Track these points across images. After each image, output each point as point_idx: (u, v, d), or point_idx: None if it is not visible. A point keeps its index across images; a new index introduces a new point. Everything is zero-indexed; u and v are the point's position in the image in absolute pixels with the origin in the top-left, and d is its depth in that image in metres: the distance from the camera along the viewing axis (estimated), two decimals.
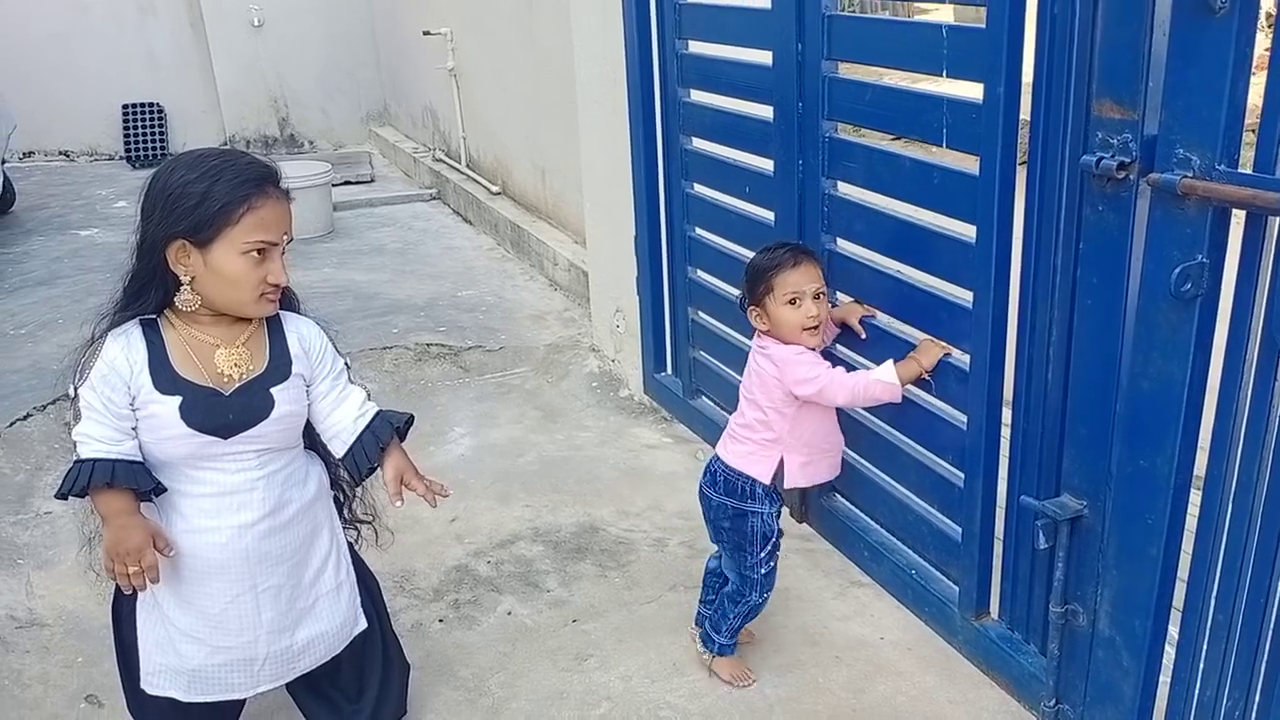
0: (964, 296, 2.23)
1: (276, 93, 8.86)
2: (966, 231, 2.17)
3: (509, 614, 2.82)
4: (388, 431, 2.02)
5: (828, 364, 2.32)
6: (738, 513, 2.37)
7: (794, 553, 2.93)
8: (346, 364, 2.12)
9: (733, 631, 2.47)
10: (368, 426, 2.01)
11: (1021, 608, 2.26)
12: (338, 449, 2.03)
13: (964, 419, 2.29)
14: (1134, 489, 1.84)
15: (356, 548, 2.28)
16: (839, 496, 2.88)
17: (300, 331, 2.02)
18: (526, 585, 2.94)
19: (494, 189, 6.19)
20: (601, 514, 3.29)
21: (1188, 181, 1.61)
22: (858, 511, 2.81)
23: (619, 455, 3.65)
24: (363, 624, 2.20)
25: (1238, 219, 1.63)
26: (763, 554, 2.39)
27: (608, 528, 3.22)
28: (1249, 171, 1.56)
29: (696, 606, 2.64)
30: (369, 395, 2.08)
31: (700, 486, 2.46)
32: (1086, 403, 1.93)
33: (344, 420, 2.01)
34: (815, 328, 2.29)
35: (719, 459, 2.41)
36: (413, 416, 2.11)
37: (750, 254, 2.41)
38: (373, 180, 7.62)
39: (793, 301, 2.27)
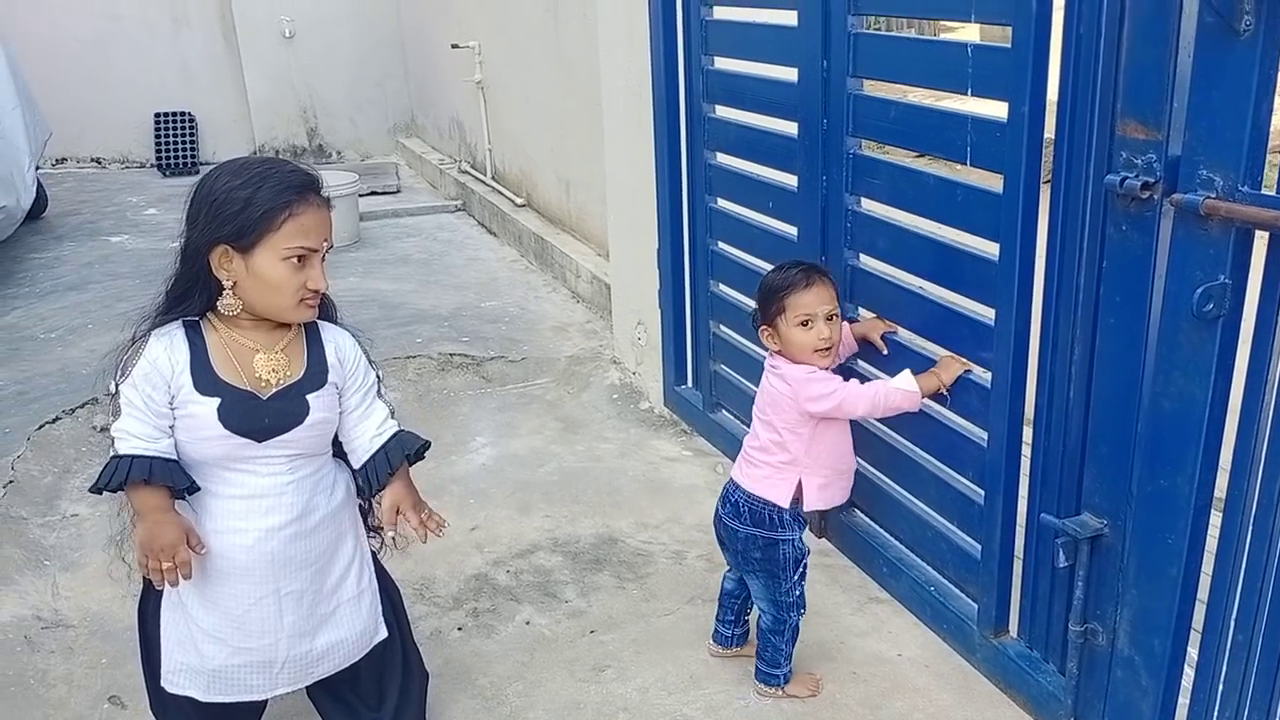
0: (986, 314, 2.23)
1: (306, 103, 8.98)
2: (990, 249, 2.18)
3: (527, 623, 2.84)
4: (399, 455, 2.05)
5: (840, 379, 2.33)
6: (769, 542, 2.36)
7: (813, 568, 2.90)
8: (378, 377, 2.15)
9: (788, 658, 2.46)
10: (382, 447, 2.04)
11: (1041, 626, 2.25)
12: (354, 463, 2.06)
13: (984, 436, 2.29)
14: (1154, 509, 1.84)
15: (380, 556, 2.30)
16: (858, 512, 2.88)
17: (337, 342, 2.05)
18: (545, 595, 2.96)
19: (518, 201, 6.23)
20: (620, 525, 3.30)
21: (1211, 202, 1.62)
22: (877, 527, 2.81)
23: (639, 467, 3.67)
24: (383, 633, 2.22)
25: (1260, 240, 1.63)
26: (796, 577, 2.39)
27: (626, 539, 3.23)
28: (1272, 193, 1.56)
29: (714, 625, 2.64)
30: (392, 412, 2.11)
31: (720, 517, 2.44)
32: (1108, 421, 1.93)
33: (363, 437, 2.04)
34: (827, 349, 2.29)
35: (737, 486, 2.40)
36: (428, 442, 2.12)
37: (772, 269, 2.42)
38: (399, 191, 7.69)
39: (805, 323, 2.27)
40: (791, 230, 2.90)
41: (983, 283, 2.21)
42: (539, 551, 3.18)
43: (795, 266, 2.33)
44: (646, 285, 3.87)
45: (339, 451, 2.13)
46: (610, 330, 4.58)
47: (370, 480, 2.05)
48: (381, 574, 2.28)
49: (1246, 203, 1.57)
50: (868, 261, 2.63)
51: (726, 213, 3.31)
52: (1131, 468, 1.88)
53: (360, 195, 6.95)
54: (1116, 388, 1.89)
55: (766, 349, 2.39)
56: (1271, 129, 1.60)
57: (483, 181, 6.85)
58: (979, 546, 2.37)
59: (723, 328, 3.49)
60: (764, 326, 2.34)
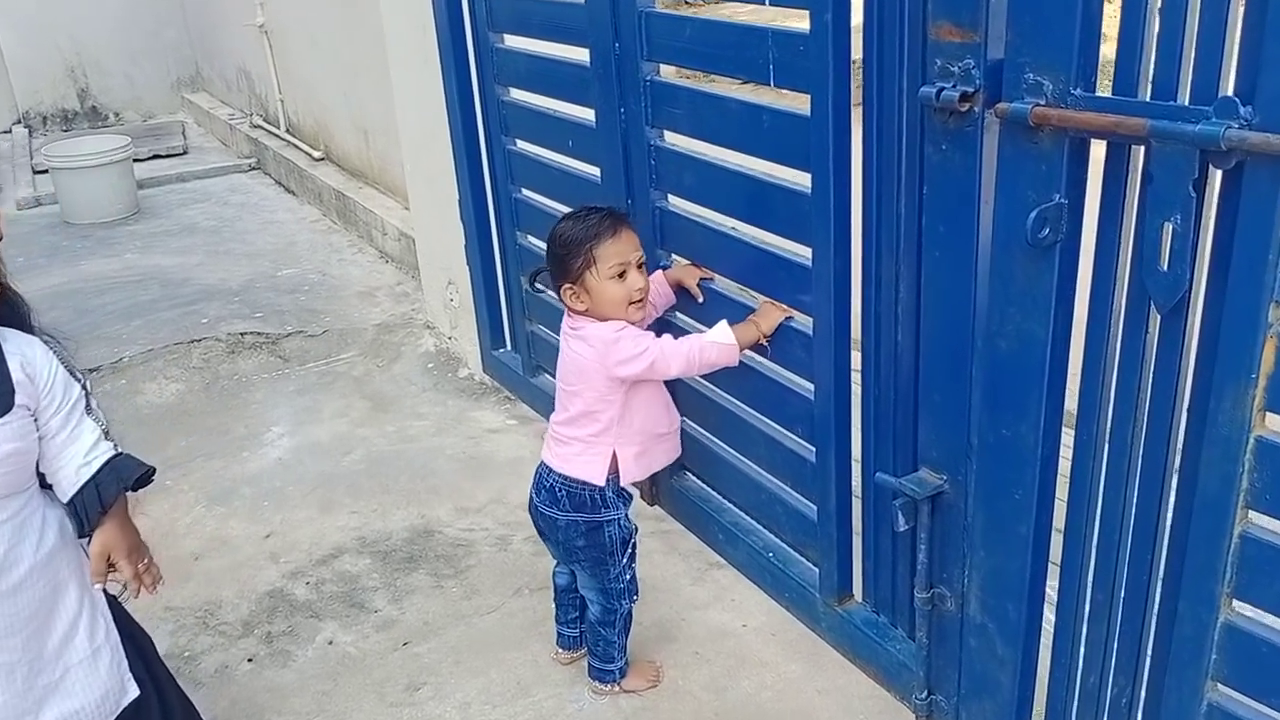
0: (803, 253, 1.98)
1: (73, 60, 8.01)
2: (802, 181, 1.92)
3: (330, 644, 2.49)
4: (114, 487, 1.66)
5: (652, 335, 2.05)
6: (592, 526, 2.09)
7: (648, 536, 2.68)
8: (85, 390, 1.73)
9: (622, 650, 2.24)
10: (92, 478, 1.64)
11: (885, 590, 2.06)
12: (61, 498, 1.66)
13: (811, 388, 2.06)
14: (997, 461, 1.63)
15: (121, 599, 1.90)
16: (690, 475, 2.63)
17: (24, 354, 1.63)
18: (350, 607, 2.61)
19: (316, 155, 5.69)
20: (438, 514, 2.97)
21: (1040, 110, 1.39)
22: (710, 491, 2.58)
23: (458, 444, 3.33)
24: (133, 691, 1.84)
25: (1098, 150, 1.42)
26: (625, 560, 2.14)
27: (444, 529, 2.90)
28: (1109, 95, 1.34)
29: (555, 627, 2.35)
30: (106, 433, 1.71)
31: (536, 506, 2.16)
32: (939, 367, 1.71)
33: (68, 466, 1.65)
34: (642, 300, 2.03)
35: (549, 469, 2.12)
36: (151, 469, 1.72)
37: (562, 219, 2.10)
38: (185, 152, 6.97)
39: (621, 274, 1.99)
40: (594, 171, 2.59)
41: (797, 219, 1.95)
42: (344, 555, 2.82)
43: (593, 213, 2.03)
44: (453, 240, 3.50)
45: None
46: (422, 292, 4.19)
47: (80, 519, 1.66)
48: (124, 621, 1.88)
49: (1081, 108, 1.35)
50: (677, 203, 2.35)
51: (526, 155, 2.96)
52: (969, 417, 1.67)
53: (139, 160, 6.25)
54: (947, 329, 1.67)
55: (565, 310, 2.09)
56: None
57: (277, 135, 6.25)
58: (814, 508, 2.16)
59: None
60: (568, 285, 2.03)
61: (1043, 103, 1.39)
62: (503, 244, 3.24)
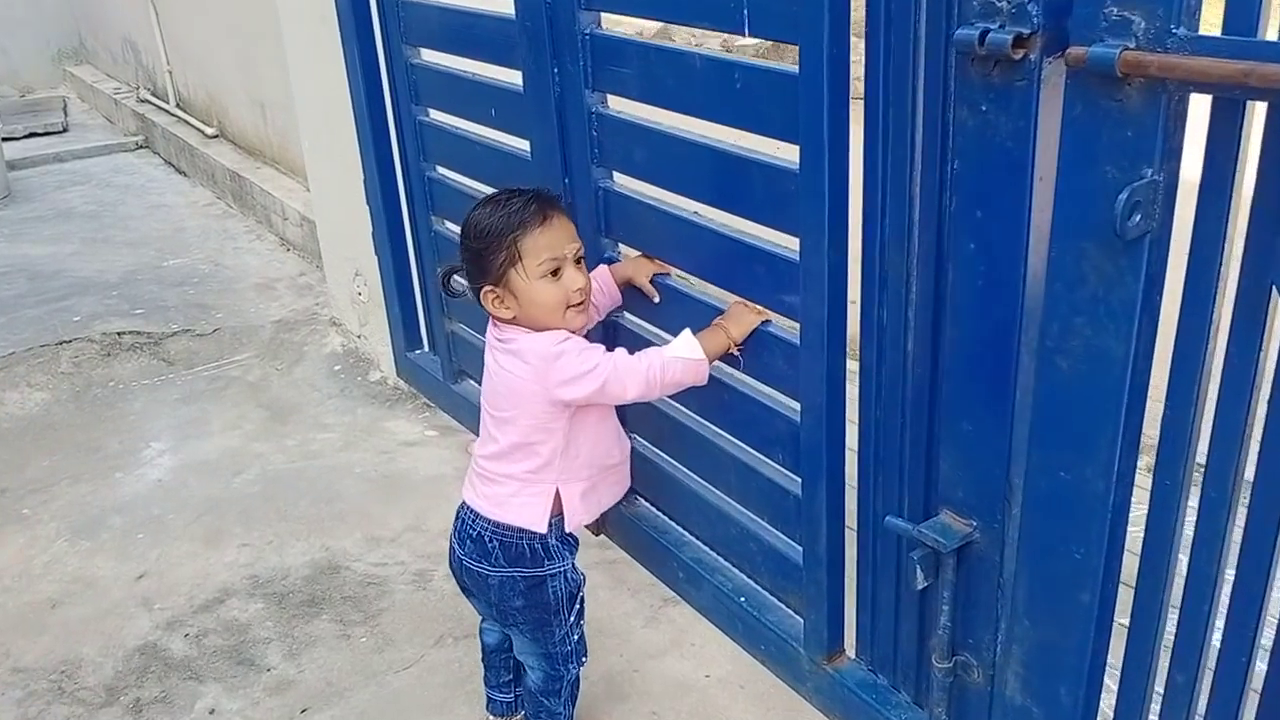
0: (788, 244, 1.61)
1: None
2: (788, 154, 1.54)
3: (211, 713, 2.07)
4: None
5: (601, 348, 1.66)
6: (532, 582, 1.71)
7: (592, 569, 2.29)
8: None
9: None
10: None
11: (886, 647, 1.72)
12: None
13: (796, 407, 1.70)
14: (1052, 510, 1.29)
15: None
16: (642, 501, 2.26)
17: None
18: (238, 665, 2.18)
19: (209, 131, 5.15)
20: (344, 545, 2.55)
21: (1133, 56, 1.03)
22: (667, 521, 2.20)
23: (369, 460, 2.90)
24: None
25: (1200, 107, 1.07)
26: (572, 620, 1.76)
27: (352, 564, 2.48)
28: (1228, 37, 0.99)
29: (485, 691, 1.97)
30: None
31: (458, 557, 1.76)
32: (970, 388, 1.37)
33: None
34: (583, 304, 1.64)
35: (476, 515, 1.73)
36: None
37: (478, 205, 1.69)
38: (65, 130, 6.33)
39: (554, 272, 1.60)
40: (523, 145, 2.19)
41: (780, 202, 1.58)
42: (231, 599, 2.38)
43: (516, 196, 1.63)
44: (359, 225, 3.06)
45: None
46: (326, 284, 3.73)
47: None
48: None
49: (1191, 52, 1.00)
50: (624, 182, 1.96)
51: (442, 127, 2.54)
52: (1009, 452, 1.33)
53: (13, 139, 5.63)
54: (982, 341, 1.32)
55: (489, 320, 1.69)
56: None
57: (166, 111, 5.67)
58: (799, 549, 1.80)
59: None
60: (489, 288, 1.63)
61: (1133, 46, 1.04)
62: (416, 230, 2.81)
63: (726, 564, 2.05)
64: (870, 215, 1.45)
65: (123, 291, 3.97)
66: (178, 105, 5.60)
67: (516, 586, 1.70)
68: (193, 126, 5.32)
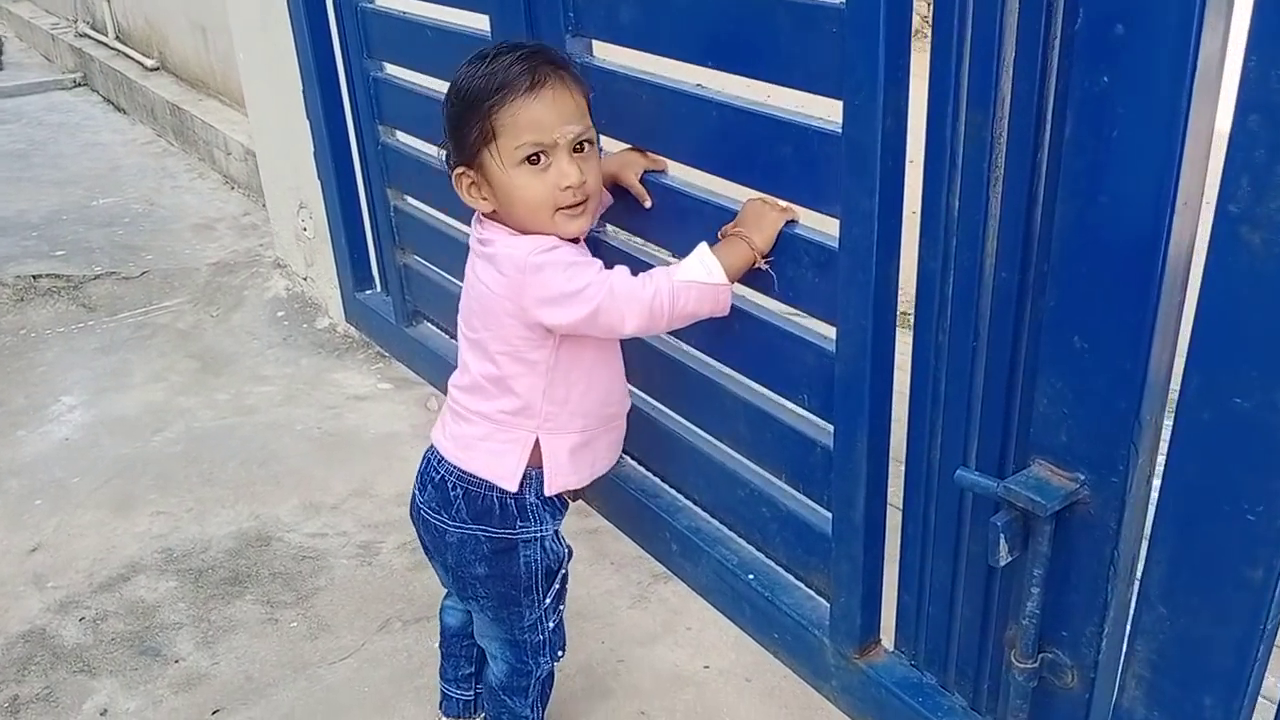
0: (825, 117, 1.23)
1: None
2: None
3: (103, 714, 1.69)
4: None
5: (598, 263, 1.28)
6: (499, 546, 1.34)
7: (570, 536, 1.92)
8: None
9: None
10: None
11: (938, 639, 1.35)
12: None
13: (831, 334, 1.32)
14: (1218, 455, 0.92)
15: None
16: (630, 460, 1.88)
17: None
18: (140, 655, 1.81)
19: (149, 64, 4.69)
20: (277, 513, 2.17)
21: None
22: (659, 483, 1.83)
23: (312, 416, 2.52)
24: None
25: None
26: (547, 600, 1.39)
27: (286, 535, 2.10)
28: None
29: (439, 684, 1.60)
30: None
31: (419, 509, 1.39)
32: (1086, 288, 0.99)
33: None
34: (577, 206, 1.25)
35: (441, 457, 1.36)
36: None
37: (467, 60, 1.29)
38: (0, 68, 5.84)
39: (532, 159, 1.22)
40: (481, 20, 1.78)
41: (813, 51, 1.19)
42: (139, 576, 2.00)
43: (507, 53, 1.24)
44: (303, 149, 2.65)
45: None
46: (270, 220, 3.32)
47: None
48: None
49: None
50: (607, 53, 1.57)
51: (388, 14, 2.13)
52: (1143, 377, 0.96)
53: None
54: (1107, 214, 0.95)
55: (473, 214, 1.31)
56: None
57: (105, 44, 5.20)
58: (828, 515, 1.43)
59: (408, 199, 2.34)
60: (461, 169, 1.26)
61: None
62: (363, 146, 2.40)
63: (731, 534, 1.68)
64: (941, 50, 1.06)
65: (44, 232, 3.55)
66: (117, 37, 5.13)
67: (480, 549, 1.33)
68: (132, 59, 4.86)
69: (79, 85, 5.40)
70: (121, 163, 4.27)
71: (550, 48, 1.30)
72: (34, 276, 3.21)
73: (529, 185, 1.23)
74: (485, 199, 1.26)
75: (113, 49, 5.10)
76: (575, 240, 1.30)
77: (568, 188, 1.23)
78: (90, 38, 5.40)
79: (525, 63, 1.22)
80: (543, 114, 1.22)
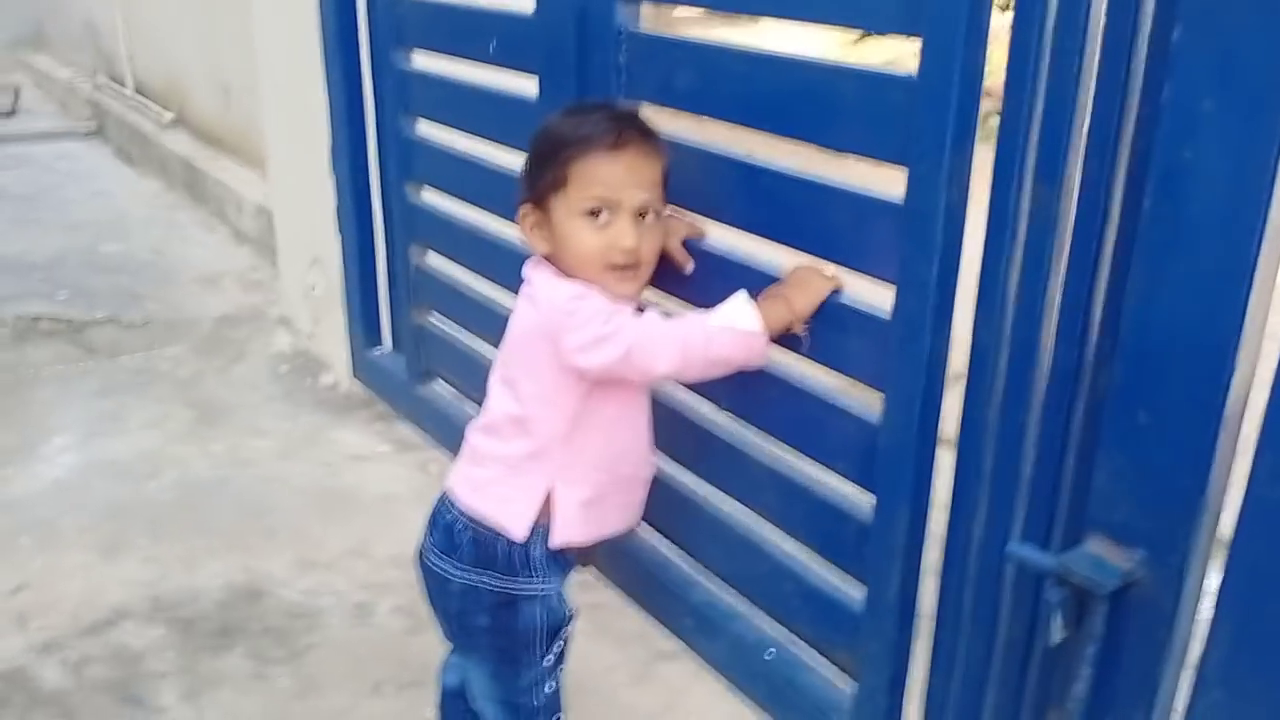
0: (883, 183, 1.24)
1: None
2: (903, 56, 1.18)
3: None
4: None
5: (629, 310, 1.28)
6: (502, 598, 1.30)
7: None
8: None
9: None
10: None
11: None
12: None
13: (877, 403, 1.31)
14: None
15: None
16: (645, 526, 1.84)
17: None
18: (122, 702, 1.73)
19: (166, 118, 4.73)
20: (270, 567, 2.10)
21: None
22: (672, 555, 1.79)
23: (310, 472, 2.46)
24: None
25: None
26: (550, 660, 1.34)
27: (278, 590, 2.04)
28: None
29: None
30: None
31: (424, 553, 1.36)
32: (1155, 363, 0.99)
33: None
34: (629, 269, 1.27)
35: (453, 500, 1.33)
36: None
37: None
38: (13, 113, 5.87)
39: (594, 212, 1.24)
40: (528, 86, 1.81)
41: (877, 116, 1.21)
42: (125, 622, 1.93)
43: (601, 110, 1.31)
44: (322, 206, 2.65)
45: None
46: (280, 279, 3.30)
47: None
48: None
49: None
50: (661, 120, 1.59)
51: (427, 74, 2.16)
52: (1210, 455, 0.95)
53: None
54: (1182, 288, 0.95)
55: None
56: None
57: (123, 97, 5.25)
58: (861, 589, 1.40)
59: (432, 255, 2.34)
60: (528, 206, 1.28)
61: None
62: (387, 202, 2.41)
63: (749, 608, 1.63)
64: (1010, 122, 1.07)
65: (48, 274, 3.52)
66: (136, 91, 5.19)
67: (481, 600, 1.30)
68: (149, 113, 4.90)
69: (92, 135, 5.43)
70: (129, 213, 4.26)
71: (643, 116, 1.33)
72: (34, 318, 3.17)
73: (585, 237, 1.24)
74: (544, 240, 1.27)
75: (130, 102, 5.14)
76: (620, 299, 1.30)
77: (624, 249, 1.24)
78: (109, 90, 5.45)
79: (615, 122, 1.27)
80: (616, 173, 1.24)
